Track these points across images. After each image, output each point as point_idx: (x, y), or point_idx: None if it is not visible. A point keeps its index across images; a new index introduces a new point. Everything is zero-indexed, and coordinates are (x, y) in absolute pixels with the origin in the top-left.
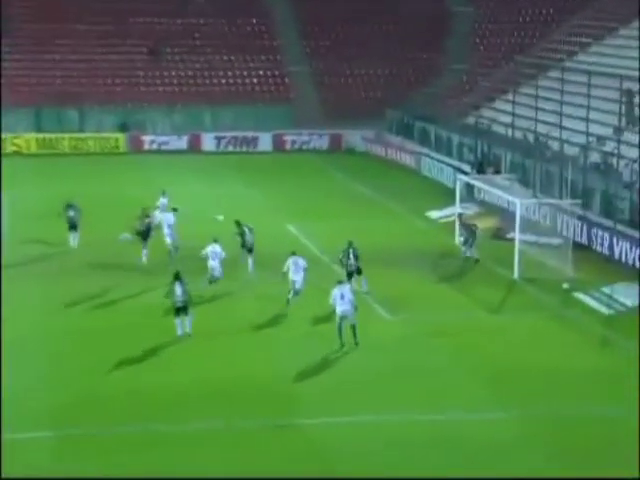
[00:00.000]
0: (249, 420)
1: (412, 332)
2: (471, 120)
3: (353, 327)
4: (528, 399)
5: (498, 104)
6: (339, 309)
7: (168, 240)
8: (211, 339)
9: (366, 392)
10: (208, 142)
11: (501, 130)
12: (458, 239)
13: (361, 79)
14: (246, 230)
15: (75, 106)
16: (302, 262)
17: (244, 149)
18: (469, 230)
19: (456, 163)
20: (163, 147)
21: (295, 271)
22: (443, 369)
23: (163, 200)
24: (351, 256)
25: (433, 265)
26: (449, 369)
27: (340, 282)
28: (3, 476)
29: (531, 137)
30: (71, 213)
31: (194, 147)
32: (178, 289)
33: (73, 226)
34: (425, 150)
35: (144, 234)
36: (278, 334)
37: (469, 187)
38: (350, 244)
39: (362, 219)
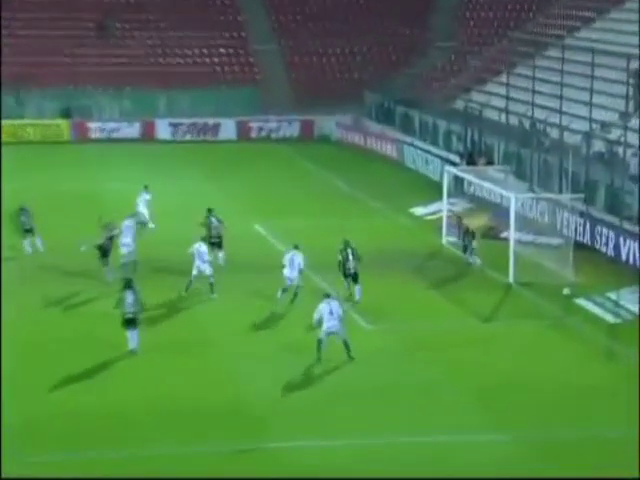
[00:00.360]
0: (208, 444)
1: (394, 344)
2: (460, 105)
3: (345, 342)
4: (523, 419)
5: (490, 87)
6: (327, 325)
7: (124, 250)
8: (169, 352)
9: (343, 412)
10: (163, 130)
11: (494, 116)
12: (445, 239)
13: (336, 58)
14: (213, 221)
15: (12, 89)
16: (299, 260)
17: (204, 137)
18: (467, 234)
19: (443, 153)
20: (112, 135)
21: (290, 267)
22: (429, 386)
23: (146, 196)
24: (350, 257)
25: (418, 268)
26: (435, 385)
27: (328, 295)
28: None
29: (527, 124)
30: (23, 218)
31: (147, 135)
32: (129, 298)
33: (28, 231)
34: (408, 138)
35: (104, 250)
36: (247, 348)
37: (458, 180)
38: (347, 243)
39: (338, 217)
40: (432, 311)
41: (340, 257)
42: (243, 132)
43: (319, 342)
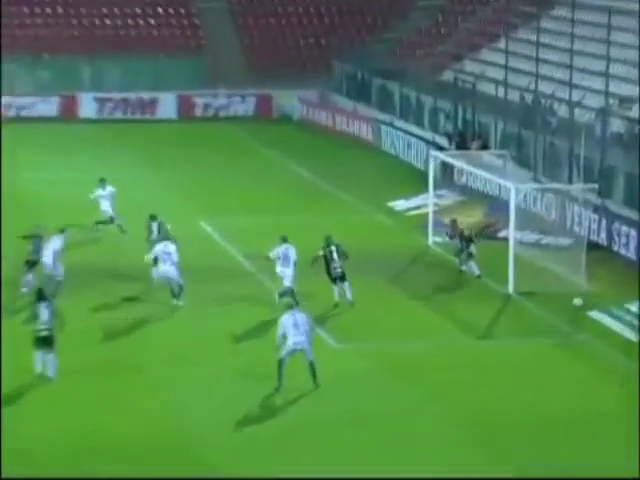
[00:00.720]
0: None
1: (369, 366)
2: (449, 76)
3: (311, 365)
4: (523, 454)
5: (485, 54)
6: (291, 341)
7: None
8: (95, 377)
9: (305, 447)
10: (87, 106)
11: (490, 90)
12: (432, 240)
13: (298, 20)
14: (154, 227)
15: None
16: (293, 254)
17: (138, 116)
18: (462, 235)
19: (429, 135)
20: (23, 113)
21: (284, 263)
22: (409, 416)
23: (103, 193)
24: (335, 255)
25: (399, 274)
26: (417, 416)
27: (291, 306)
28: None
29: (530, 99)
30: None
31: (67, 113)
32: (44, 313)
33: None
34: (387, 117)
35: (31, 262)
36: (193, 370)
37: (446, 168)
38: (329, 240)
39: (302, 213)
40: (415, 327)
41: (322, 253)
42: (185, 109)
43: (280, 363)
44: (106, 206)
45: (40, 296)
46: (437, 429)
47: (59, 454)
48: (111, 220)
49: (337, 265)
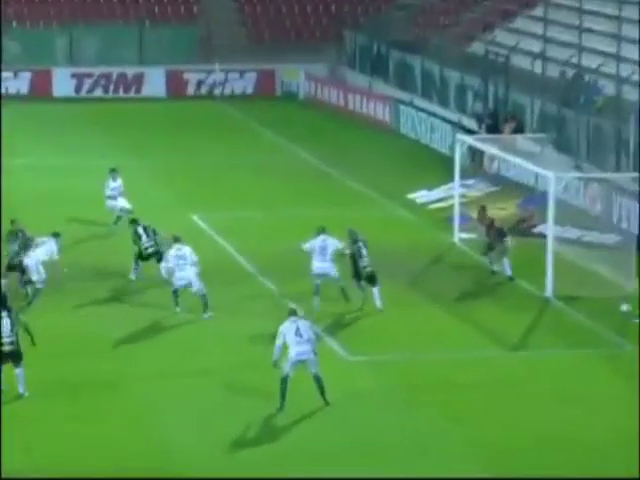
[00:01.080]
0: None
1: (383, 383)
2: (478, 49)
3: (317, 379)
4: None
5: (520, 23)
6: (294, 350)
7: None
8: (72, 395)
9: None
10: (62, 83)
11: (525, 64)
12: (458, 236)
13: None
14: (140, 231)
15: None
16: (333, 244)
17: (121, 94)
18: (494, 231)
19: (455, 116)
20: None
21: (320, 257)
22: (427, 443)
23: (114, 184)
24: (364, 252)
25: (420, 276)
26: (440, 441)
27: (294, 312)
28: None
29: (572, 75)
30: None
31: (39, 91)
32: (5, 326)
33: None
34: (406, 96)
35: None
36: (187, 389)
37: (475, 153)
38: (354, 235)
39: (309, 206)
40: (438, 336)
41: (349, 251)
42: (176, 87)
43: (283, 381)
44: (122, 201)
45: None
46: (460, 459)
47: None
48: (118, 217)
49: (366, 263)
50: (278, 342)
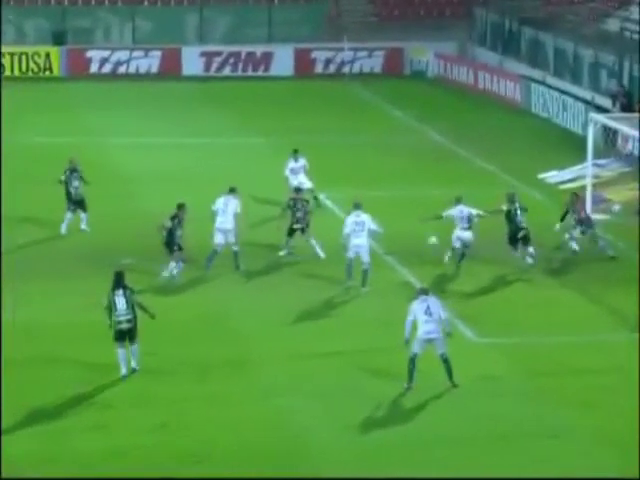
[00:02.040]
0: None
1: (510, 366)
2: (613, 25)
3: (445, 359)
4: None
5: None
6: (422, 330)
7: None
8: (190, 375)
9: (435, 462)
10: (191, 62)
11: None
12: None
13: None
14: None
15: None
16: (368, 221)
17: (249, 73)
18: (580, 218)
19: (588, 95)
20: (120, 70)
21: (355, 233)
22: (553, 431)
23: (296, 165)
24: (519, 212)
25: (549, 258)
26: (563, 432)
27: (424, 292)
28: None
29: None
30: (75, 183)
31: (169, 70)
32: (120, 304)
33: (76, 203)
34: (538, 74)
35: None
36: (307, 370)
37: (609, 133)
38: (512, 196)
39: (437, 186)
40: (565, 319)
41: (505, 210)
42: (304, 66)
43: (411, 360)
44: (304, 179)
45: (116, 282)
46: (587, 448)
47: (155, 460)
48: (315, 199)
49: (522, 224)
50: (408, 319)
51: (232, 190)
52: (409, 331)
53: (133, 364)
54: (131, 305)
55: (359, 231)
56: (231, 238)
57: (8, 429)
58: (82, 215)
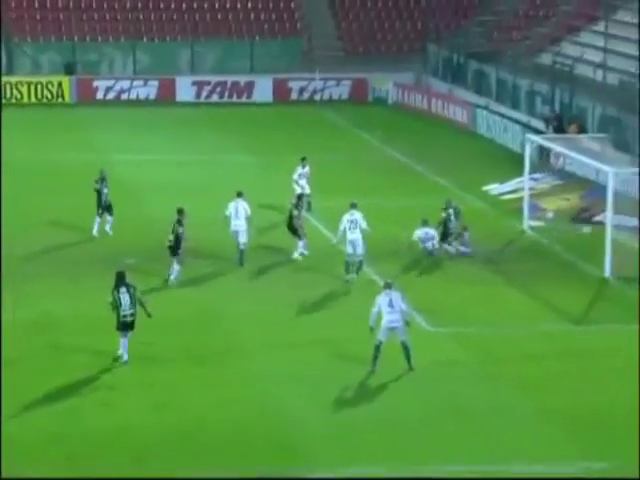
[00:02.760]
0: (238, 473)
1: (462, 352)
2: (547, 59)
3: (406, 347)
4: (618, 454)
5: (584, 36)
6: (386, 319)
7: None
8: (182, 364)
9: (397, 438)
10: (184, 90)
11: (588, 73)
12: (528, 224)
13: (394, 3)
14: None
15: (2, 40)
16: (360, 219)
17: (234, 99)
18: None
19: (525, 118)
20: (123, 97)
21: (350, 230)
22: (503, 406)
23: (302, 171)
24: (452, 218)
25: (494, 259)
26: (512, 406)
27: (388, 286)
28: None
29: (630, 82)
30: (105, 190)
31: (165, 97)
32: (125, 300)
33: (105, 208)
34: (482, 100)
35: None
36: (281, 355)
37: (543, 151)
38: (448, 203)
39: (395, 196)
40: (510, 311)
41: (445, 216)
42: (281, 93)
43: (376, 348)
44: (305, 184)
45: (119, 281)
46: (530, 420)
47: (155, 437)
48: (309, 206)
49: (453, 229)
50: (374, 310)
51: (239, 194)
52: (374, 320)
53: (120, 351)
54: (134, 301)
55: (353, 228)
56: (242, 238)
57: (26, 408)
58: (109, 218)
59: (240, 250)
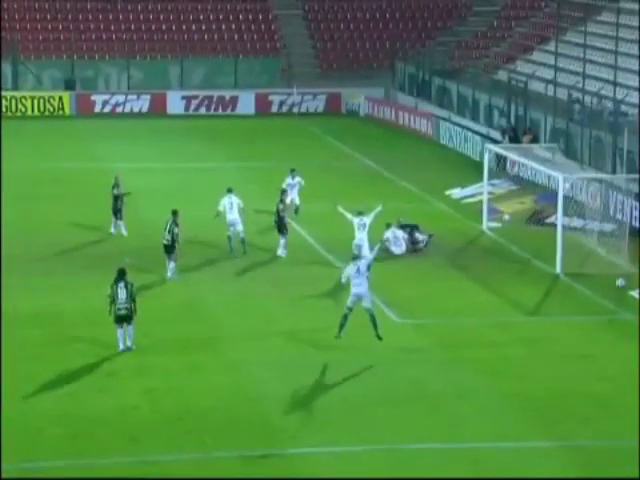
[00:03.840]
0: (224, 451)
1: (426, 340)
2: (503, 76)
3: (372, 316)
4: (569, 426)
5: (537, 56)
6: (353, 288)
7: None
8: (173, 352)
9: (365, 418)
10: (174, 103)
11: (540, 88)
12: (487, 225)
13: (365, 24)
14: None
15: (7, 58)
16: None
17: (220, 112)
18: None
19: (484, 130)
20: (118, 110)
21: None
22: (464, 388)
23: (292, 182)
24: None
25: (456, 256)
26: (472, 389)
27: (355, 257)
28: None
29: (578, 97)
30: (116, 192)
31: (157, 110)
32: (121, 295)
33: (118, 211)
34: (445, 113)
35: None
36: (261, 343)
37: (500, 159)
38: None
39: (366, 199)
40: (470, 304)
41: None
42: (262, 106)
43: (344, 316)
44: (296, 195)
45: (119, 277)
46: (488, 402)
47: (146, 421)
48: (296, 211)
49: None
50: (343, 277)
51: (230, 190)
52: (344, 282)
53: (129, 343)
54: (130, 296)
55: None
56: (239, 228)
57: (33, 392)
58: (120, 222)
59: (241, 238)
